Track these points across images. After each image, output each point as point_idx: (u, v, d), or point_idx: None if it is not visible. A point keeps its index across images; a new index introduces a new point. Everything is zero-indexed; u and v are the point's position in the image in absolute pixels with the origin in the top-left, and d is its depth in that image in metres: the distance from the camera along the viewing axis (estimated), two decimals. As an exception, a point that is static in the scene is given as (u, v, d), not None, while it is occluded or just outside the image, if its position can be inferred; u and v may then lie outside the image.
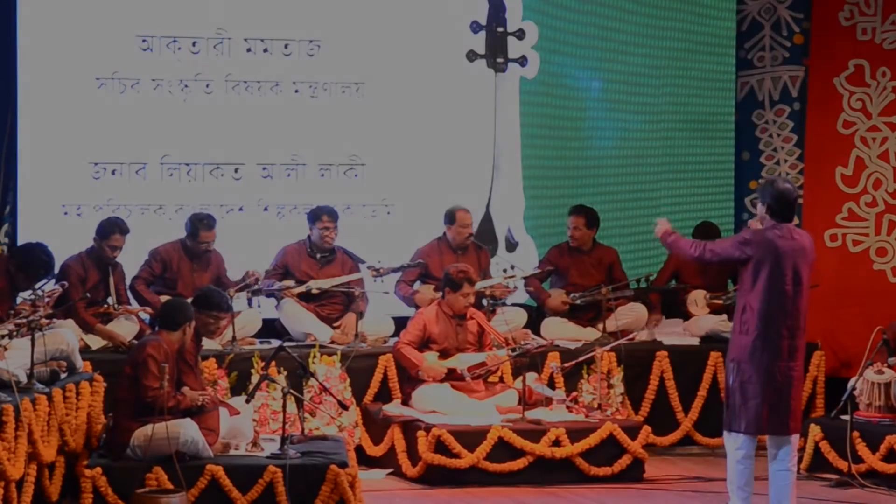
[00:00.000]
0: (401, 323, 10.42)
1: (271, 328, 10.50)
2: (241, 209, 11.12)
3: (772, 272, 8.06)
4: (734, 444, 8.09)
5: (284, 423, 8.64)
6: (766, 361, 8.04)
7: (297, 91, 11.24)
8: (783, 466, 8.09)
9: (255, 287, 10.24)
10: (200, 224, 10.24)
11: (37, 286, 8.76)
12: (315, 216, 10.58)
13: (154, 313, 9.89)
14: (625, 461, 9.53)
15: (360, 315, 10.33)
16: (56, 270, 9.20)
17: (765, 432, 8.08)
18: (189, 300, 8.75)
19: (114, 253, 9.94)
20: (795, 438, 8.13)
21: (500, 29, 11.70)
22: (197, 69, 11.03)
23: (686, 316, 11.18)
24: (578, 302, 10.87)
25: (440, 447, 9.29)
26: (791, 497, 8.08)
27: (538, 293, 11.09)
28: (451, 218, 10.83)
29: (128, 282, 10.20)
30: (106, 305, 9.95)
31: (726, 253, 8.25)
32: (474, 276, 10.00)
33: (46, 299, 8.63)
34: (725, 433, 8.16)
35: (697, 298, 11.13)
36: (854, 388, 9.53)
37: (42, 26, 10.66)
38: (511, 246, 11.82)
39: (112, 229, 9.93)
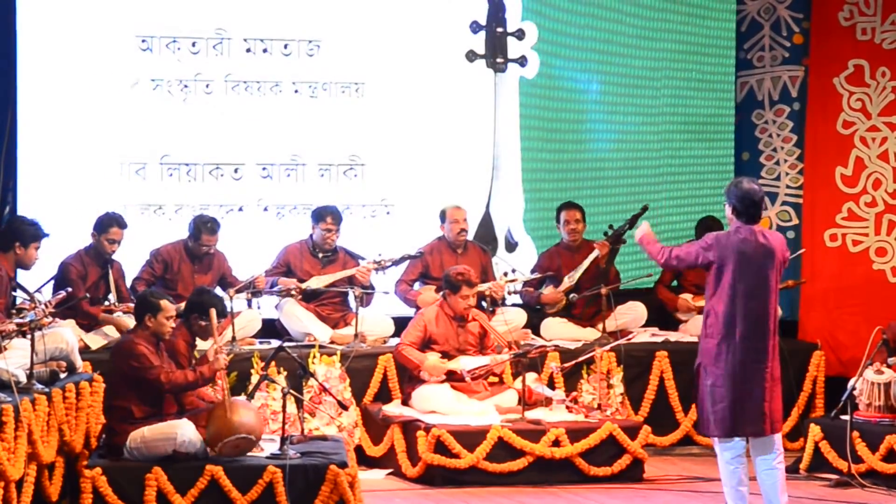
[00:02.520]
0: (400, 323, 10.43)
1: (271, 328, 10.50)
2: (240, 209, 11.12)
3: (734, 275, 8.02)
4: (721, 446, 8.10)
5: (284, 423, 8.64)
6: (732, 364, 8.04)
7: (296, 91, 11.24)
8: (768, 465, 8.09)
9: (255, 289, 10.24)
10: (204, 227, 10.23)
11: (38, 289, 8.73)
12: (319, 216, 10.58)
13: None
14: (624, 461, 9.54)
15: (362, 300, 10.29)
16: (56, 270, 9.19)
17: (738, 434, 8.06)
18: (162, 297, 8.66)
19: (112, 247, 9.92)
20: (777, 437, 8.13)
21: (500, 29, 11.70)
22: (196, 69, 11.03)
23: (676, 320, 11.24)
24: (573, 298, 10.86)
25: (440, 447, 9.30)
26: (780, 493, 8.08)
27: (533, 295, 11.08)
28: (442, 216, 10.86)
29: (128, 282, 10.20)
30: (107, 303, 9.94)
31: (690, 258, 8.20)
32: (473, 278, 10.00)
33: (49, 300, 8.62)
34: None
35: (681, 304, 11.18)
36: (854, 388, 9.54)
37: (41, 26, 10.66)
38: (510, 246, 11.82)
39: (110, 223, 9.92)
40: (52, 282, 9.68)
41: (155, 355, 8.25)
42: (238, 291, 10.10)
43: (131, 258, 10.23)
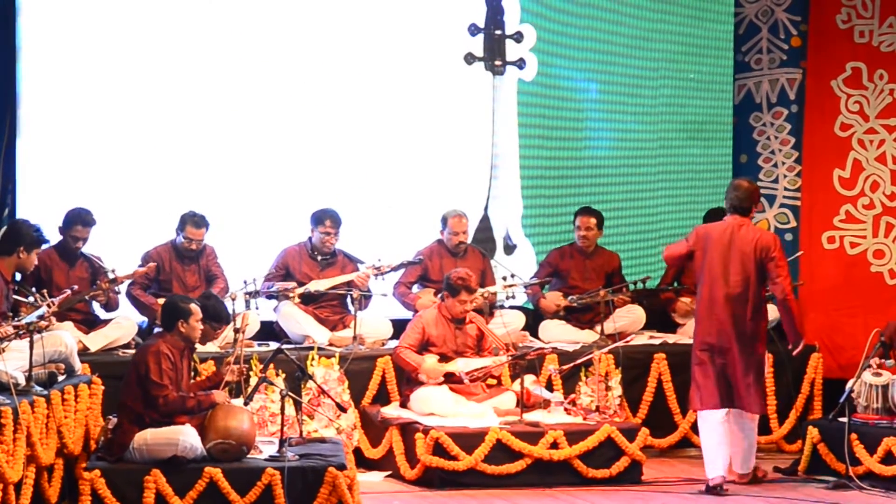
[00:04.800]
0: (399, 325, 10.44)
1: (270, 330, 10.50)
2: (240, 211, 11.10)
3: (713, 263, 9.17)
4: (702, 419, 9.29)
5: (283, 425, 8.65)
6: (708, 344, 9.20)
7: (295, 92, 11.23)
8: (741, 436, 9.26)
9: (254, 289, 10.24)
10: (190, 220, 10.23)
11: (40, 291, 8.72)
12: (318, 220, 10.57)
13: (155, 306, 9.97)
14: (623, 463, 9.54)
15: (360, 303, 10.30)
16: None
17: (719, 406, 9.20)
18: (190, 301, 8.71)
19: (76, 244, 9.90)
20: (754, 416, 9.24)
21: (498, 32, 11.71)
22: (197, 69, 11.01)
23: (674, 323, 11.25)
24: (575, 305, 10.89)
25: (438, 449, 9.30)
26: (744, 462, 9.31)
27: (535, 295, 11.11)
28: (444, 223, 10.86)
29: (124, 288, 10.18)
30: (106, 283, 9.83)
31: (676, 249, 9.45)
32: (474, 283, 9.99)
33: (53, 299, 8.61)
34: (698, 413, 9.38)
35: (679, 306, 11.18)
36: (852, 391, 9.54)
37: (43, 26, 10.65)
38: (509, 248, 11.82)
39: (74, 220, 9.89)
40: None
41: (172, 371, 8.31)
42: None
43: (129, 261, 10.20)
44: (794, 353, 9.43)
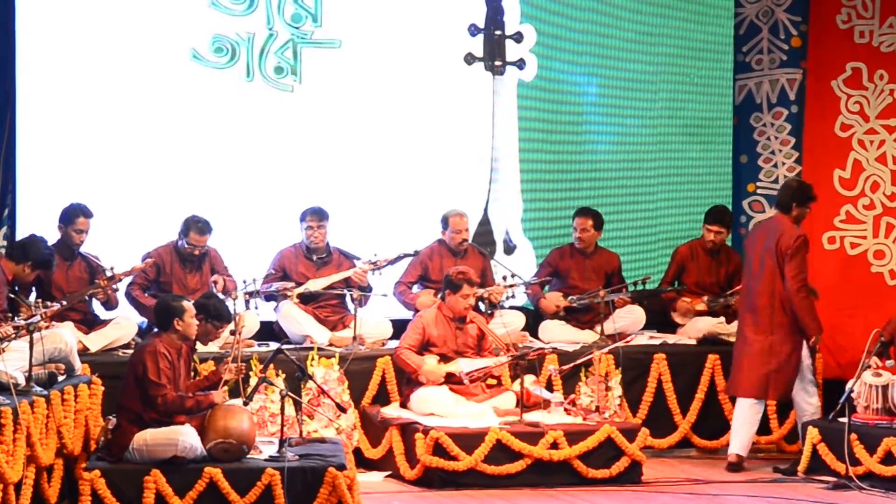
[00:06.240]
0: (398, 325, 10.44)
1: (269, 330, 10.50)
2: (239, 210, 11.09)
3: (749, 257, 9.91)
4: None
5: (283, 425, 8.65)
6: (741, 334, 9.91)
7: (294, 91, 11.22)
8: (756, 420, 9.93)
9: (254, 289, 10.24)
10: (194, 226, 10.20)
11: (37, 301, 8.73)
12: (302, 217, 10.59)
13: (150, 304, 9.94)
14: (623, 464, 9.54)
15: (360, 301, 10.30)
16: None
17: (734, 393, 9.97)
18: (182, 299, 8.70)
19: (80, 237, 9.87)
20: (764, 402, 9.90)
21: (498, 32, 11.71)
22: (197, 68, 11.00)
23: (674, 323, 11.23)
24: (575, 305, 10.89)
25: (438, 450, 9.30)
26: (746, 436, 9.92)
27: (535, 295, 11.11)
28: (445, 223, 10.85)
29: (123, 288, 10.18)
30: (104, 280, 9.83)
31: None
32: (474, 277, 10.01)
33: (45, 310, 8.60)
34: None
35: (680, 305, 11.17)
36: (852, 391, 9.54)
37: (41, 26, 10.65)
38: (509, 249, 11.82)
39: (76, 213, 9.87)
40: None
41: (170, 370, 8.30)
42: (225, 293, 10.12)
43: (129, 261, 10.20)
44: (813, 345, 9.97)
